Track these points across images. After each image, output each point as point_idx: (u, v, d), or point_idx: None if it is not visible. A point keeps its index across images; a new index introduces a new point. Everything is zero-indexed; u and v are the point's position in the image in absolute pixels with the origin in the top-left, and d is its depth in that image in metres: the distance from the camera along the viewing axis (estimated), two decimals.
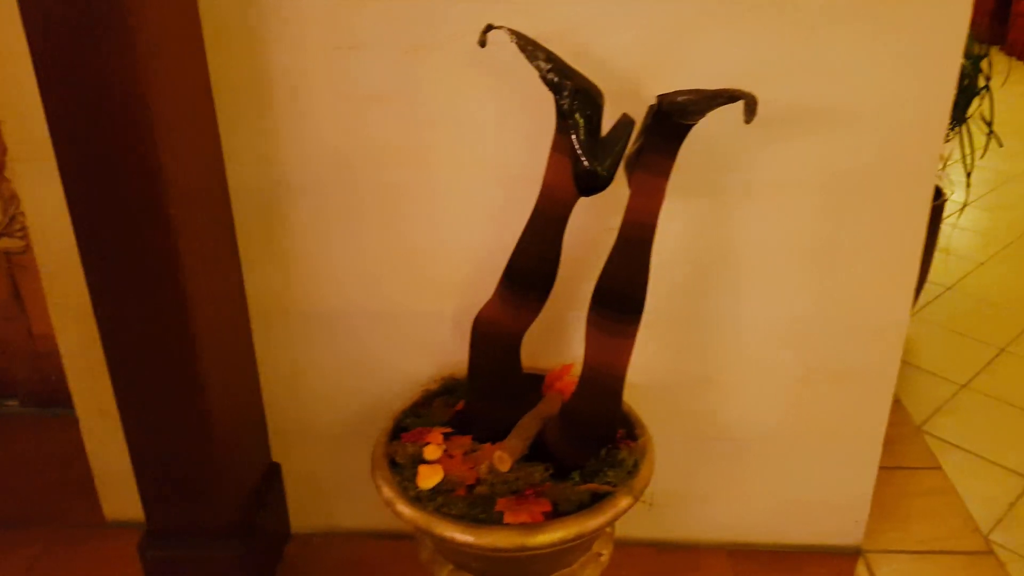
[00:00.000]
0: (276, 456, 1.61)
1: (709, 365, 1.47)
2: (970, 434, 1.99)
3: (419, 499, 1.15)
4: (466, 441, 1.27)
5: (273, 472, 1.60)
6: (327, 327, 1.49)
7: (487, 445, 1.26)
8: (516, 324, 1.24)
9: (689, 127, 1.07)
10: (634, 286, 1.14)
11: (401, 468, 1.21)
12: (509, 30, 1.11)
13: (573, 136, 1.08)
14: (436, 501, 1.15)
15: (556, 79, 1.08)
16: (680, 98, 1.02)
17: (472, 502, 1.15)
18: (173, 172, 1.15)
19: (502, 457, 1.18)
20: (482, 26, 1.22)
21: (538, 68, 1.09)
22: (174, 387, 1.29)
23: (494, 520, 1.12)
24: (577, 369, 1.41)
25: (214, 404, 1.32)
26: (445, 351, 1.49)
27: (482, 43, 1.14)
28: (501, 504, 1.14)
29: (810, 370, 1.47)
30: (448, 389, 1.41)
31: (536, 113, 1.29)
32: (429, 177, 1.35)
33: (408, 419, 1.33)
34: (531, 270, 1.20)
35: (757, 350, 1.46)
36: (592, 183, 1.10)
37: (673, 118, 1.04)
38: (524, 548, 1.09)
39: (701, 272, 1.41)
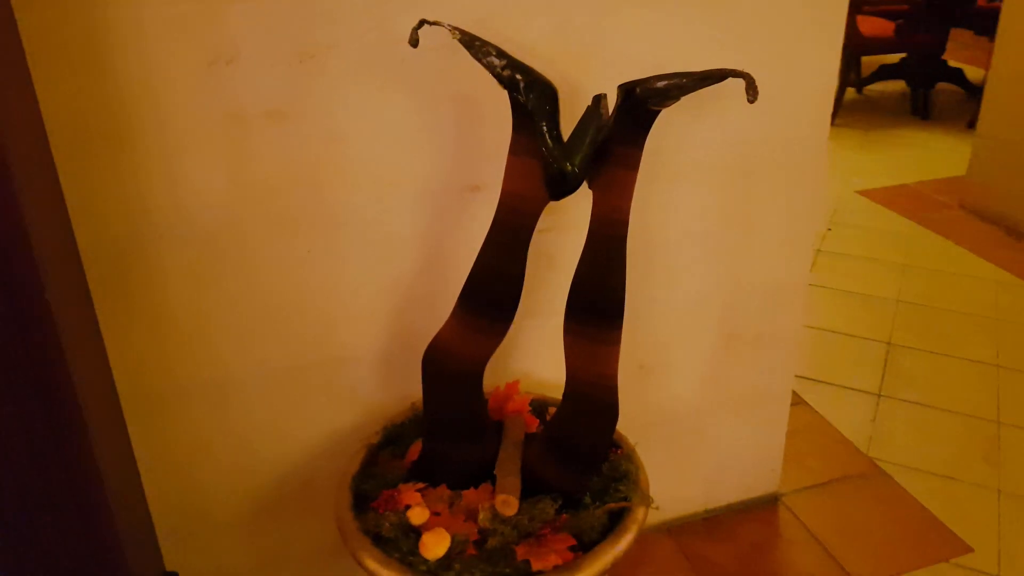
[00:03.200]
0: (171, 563, 1.32)
1: (640, 352, 1.45)
2: (816, 366, 2.18)
3: (433, 574, 0.99)
4: (443, 492, 1.13)
5: None
6: (219, 396, 1.24)
7: (470, 491, 1.13)
8: (478, 352, 1.12)
9: (656, 114, 1.01)
10: (613, 289, 1.07)
11: (390, 542, 1.04)
12: (451, 26, 0.97)
13: (542, 135, 0.98)
14: (453, 570, 1.00)
15: (512, 75, 0.97)
16: (660, 83, 0.96)
17: (490, 558, 1.02)
18: (40, 238, 0.87)
19: (507, 500, 1.06)
20: (380, 24, 1.07)
21: (490, 65, 0.97)
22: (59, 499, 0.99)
23: (522, 572, 1.00)
24: (528, 386, 1.32)
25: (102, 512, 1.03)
26: (370, 398, 1.31)
27: (414, 42, 0.99)
28: (522, 552, 1.02)
29: (727, 339, 1.51)
30: (390, 439, 1.24)
31: (457, 115, 1.16)
32: (332, 203, 1.17)
33: (366, 483, 1.15)
34: (495, 289, 1.08)
35: (680, 329, 1.47)
36: (567, 184, 1.00)
37: (648, 105, 0.98)
38: None
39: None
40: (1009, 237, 2.92)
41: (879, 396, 2.06)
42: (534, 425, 1.25)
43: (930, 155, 3.84)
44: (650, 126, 1.02)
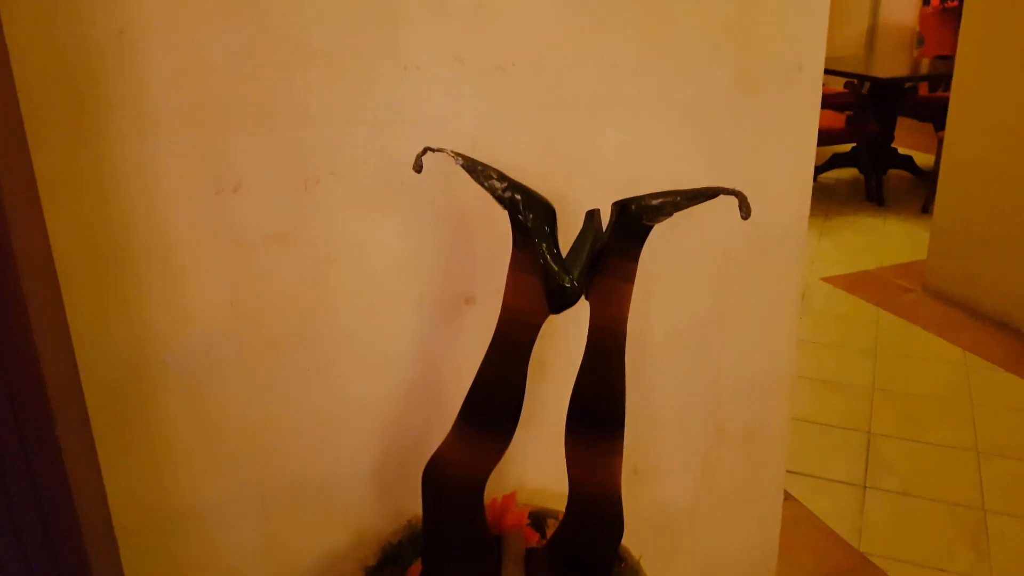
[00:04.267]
0: None
1: (634, 456, 1.45)
2: (799, 458, 2.20)
3: None
4: None
5: None
6: (212, 520, 1.20)
7: None
8: (480, 466, 1.10)
9: (651, 228, 1.05)
10: (613, 398, 1.08)
11: None
12: (453, 152, 1.00)
13: (543, 253, 1.00)
14: None
15: (513, 196, 1.00)
16: (654, 201, 1.00)
17: None
18: (50, 366, 0.86)
19: None
20: (380, 149, 1.11)
21: (491, 188, 1.00)
22: None
23: None
24: (524, 496, 1.31)
25: None
26: (364, 516, 1.28)
27: (418, 168, 1.02)
28: None
29: (717, 437, 1.52)
30: (390, 559, 1.21)
31: (450, 232, 1.19)
32: (329, 321, 1.17)
33: None
34: (497, 403, 1.08)
35: (671, 430, 1.47)
36: (567, 298, 1.02)
37: (643, 220, 1.01)
38: None
39: None
40: (972, 319, 3.02)
41: (864, 487, 2.07)
42: (534, 539, 1.23)
43: (887, 240, 3.98)
44: (644, 239, 1.05)
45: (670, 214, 1.01)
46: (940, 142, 4.42)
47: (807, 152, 1.38)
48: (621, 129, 1.24)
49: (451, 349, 1.25)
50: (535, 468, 1.38)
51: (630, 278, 1.06)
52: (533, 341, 1.06)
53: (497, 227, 1.19)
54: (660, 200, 1.00)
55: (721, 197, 1.00)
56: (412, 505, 1.28)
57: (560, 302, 1.03)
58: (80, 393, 1.06)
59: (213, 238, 1.06)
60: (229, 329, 1.11)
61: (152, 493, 1.15)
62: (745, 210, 0.95)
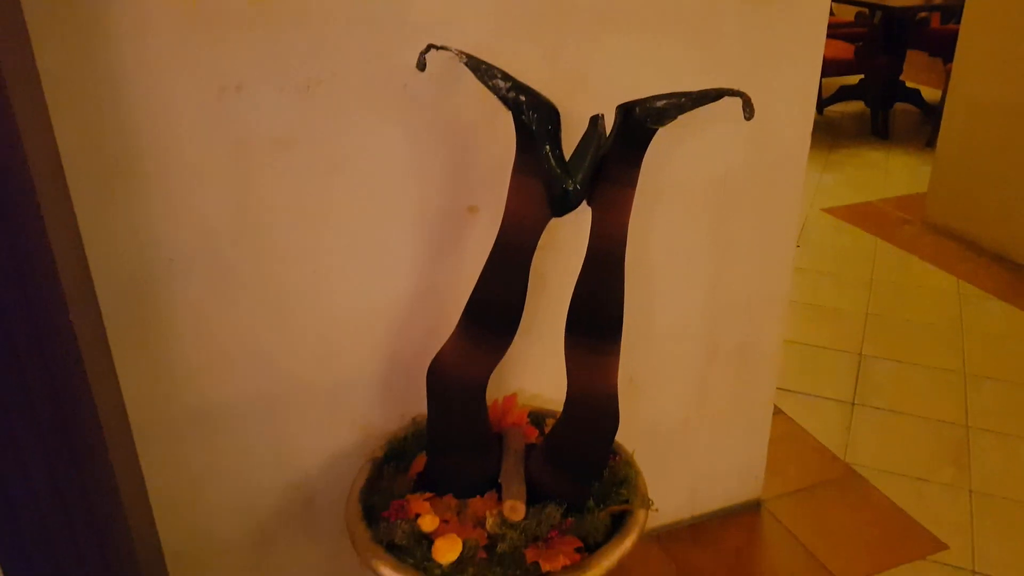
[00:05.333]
0: None
1: (631, 366, 1.50)
2: (791, 377, 2.26)
3: None
4: (450, 501, 1.17)
5: None
6: (224, 421, 1.26)
7: (476, 499, 1.16)
8: (482, 366, 1.16)
9: (654, 133, 1.07)
10: (611, 306, 1.12)
11: (403, 550, 1.07)
12: (458, 51, 1.02)
13: (546, 155, 1.03)
14: (467, 573, 1.03)
15: (517, 96, 1.02)
16: (659, 103, 1.02)
17: (501, 562, 1.06)
18: (66, 267, 0.90)
19: (514, 507, 1.10)
20: (382, 52, 1.12)
21: (496, 88, 1.03)
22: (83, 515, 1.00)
23: (532, 574, 1.04)
24: (523, 400, 1.37)
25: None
26: (369, 417, 1.35)
27: (421, 65, 1.05)
28: (531, 555, 1.06)
29: (712, 353, 1.57)
30: (394, 454, 1.28)
31: (453, 140, 1.21)
32: (334, 228, 1.21)
33: (374, 496, 1.18)
34: (498, 305, 1.12)
35: (667, 344, 1.53)
36: (569, 202, 1.06)
37: (647, 124, 1.04)
38: None
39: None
40: (968, 251, 3.05)
41: (852, 404, 2.14)
42: (533, 436, 1.29)
43: (890, 174, 3.98)
44: (647, 145, 1.07)
45: (674, 117, 1.04)
46: (948, 77, 4.39)
47: (812, 70, 1.40)
48: (626, 39, 1.25)
49: (454, 258, 1.28)
50: (533, 375, 1.43)
51: (632, 184, 1.09)
52: (535, 245, 1.10)
53: (501, 135, 1.22)
54: (665, 102, 1.02)
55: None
56: (415, 407, 1.34)
57: (562, 206, 1.07)
58: (92, 294, 1.10)
59: (217, 141, 1.08)
60: (234, 233, 1.15)
61: (164, 394, 1.21)
62: (749, 110, 0.98)
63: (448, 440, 1.19)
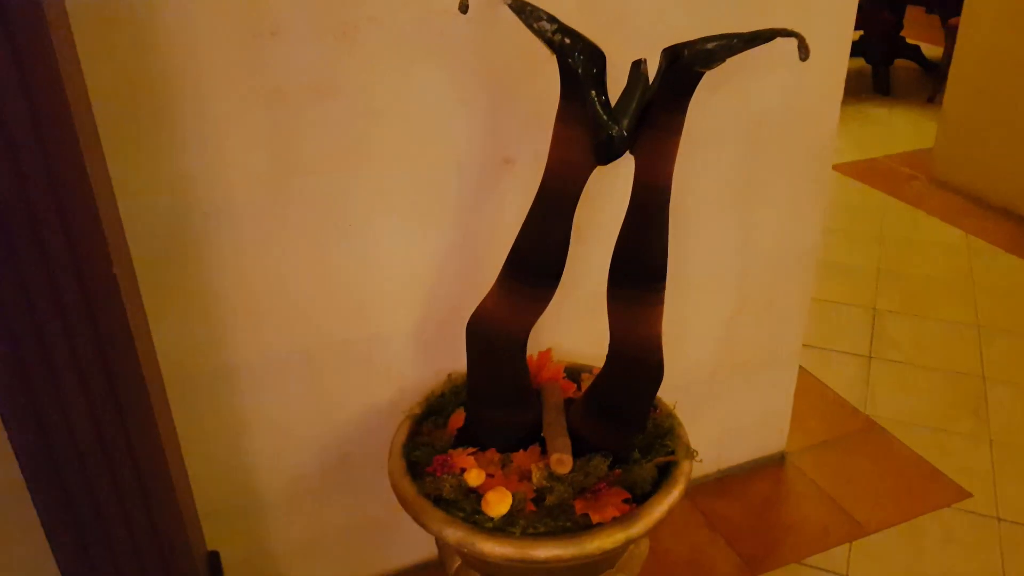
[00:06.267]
0: (212, 543, 1.32)
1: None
2: (809, 332, 2.26)
3: (500, 530, 1.03)
4: (493, 456, 1.16)
5: (213, 564, 1.31)
6: (259, 376, 1.25)
7: (519, 453, 1.16)
8: (523, 319, 1.14)
9: (700, 77, 1.05)
10: (656, 256, 1.10)
11: (451, 503, 1.07)
12: None
13: (592, 100, 1.01)
14: (518, 526, 1.03)
15: (563, 39, 0.99)
16: (709, 45, 0.99)
17: (550, 514, 1.06)
18: (107, 213, 0.88)
19: (561, 459, 1.09)
20: None
21: (540, 30, 0.99)
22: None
23: (581, 525, 1.04)
24: (558, 356, 1.36)
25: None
26: (405, 373, 1.34)
27: (464, 8, 1.01)
28: (580, 506, 1.06)
29: (741, 305, 1.56)
30: (432, 410, 1.27)
31: (490, 88, 1.19)
32: (369, 179, 1.18)
33: (416, 451, 1.17)
34: (540, 256, 1.10)
35: (699, 292, 1.52)
36: (614, 149, 1.03)
37: (696, 67, 1.01)
38: (629, 540, 1.03)
39: None
40: (976, 207, 3.05)
41: (870, 358, 2.14)
42: (571, 390, 1.28)
43: (894, 130, 3.97)
44: (694, 90, 1.05)
45: (723, 59, 1.01)
46: (947, 33, 4.35)
47: (849, 10, 1.37)
48: None
49: (490, 209, 1.26)
50: (569, 331, 1.42)
51: (678, 131, 1.07)
52: (579, 195, 1.08)
53: (540, 84, 1.19)
54: (715, 44, 0.99)
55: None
56: (451, 363, 1.33)
57: (608, 153, 1.04)
58: (125, 244, 1.07)
59: (252, 87, 1.05)
60: (270, 183, 1.12)
61: (198, 348, 1.19)
62: (804, 51, 0.95)
63: (489, 395, 1.18)
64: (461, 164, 1.22)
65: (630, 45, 1.19)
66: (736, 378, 1.64)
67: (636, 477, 1.09)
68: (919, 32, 5.32)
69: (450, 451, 1.16)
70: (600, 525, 1.03)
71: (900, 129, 3.96)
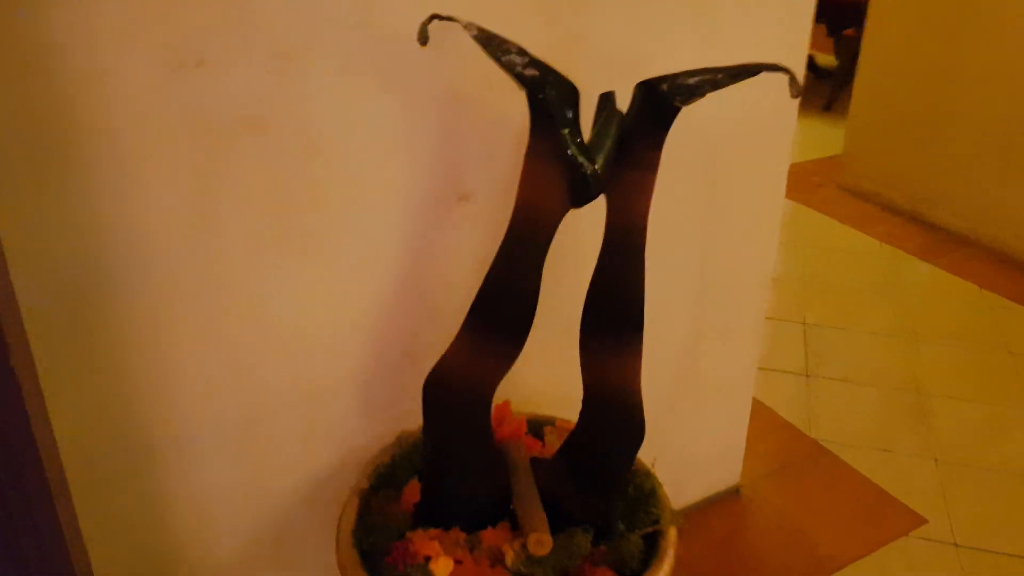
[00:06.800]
0: None
1: None
2: None
3: None
4: (458, 536, 1.03)
5: None
6: (178, 455, 1.07)
7: (488, 531, 1.03)
8: (490, 376, 1.01)
9: (678, 111, 0.95)
10: (633, 301, 1.00)
11: None
12: (468, 22, 0.86)
13: (566, 138, 0.89)
14: None
15: (535, 74, 0.87)
16: (691, 80, 0.90)
17: None
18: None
19: (540, 540, 0.97)
20: (363, 20, 0.95)
21: (510, 64, 0.87)
22: None
23: None
24: (515, 405, 1.24)
25: None
26: (349, 435, 1.18)
27: (422, 40, 0.88)
28: None
29: (698, 332, 1.48)
30: (383, 480, 1.12)
31: (442, 120, 1.05)
32: (310, 221, 1.03)
33: (370, 537, 1.02)
34: (510, 307, 0.98)
35: (658, 324, 1.42)
36: (593, 189, 0.92)
37: (674, 102, 0.91)
38: None
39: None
40: (886, 213, 3.12)
41: (807, 376, 2.12)
42: (536, 448, 1.16)
43: (795, 138, 4.05)
44: (671, 124, 0.95)
45: (705, 94, 0.92)
46: (839, 42, 4.49)
47: (803, 30, 1.31)
48: (626, 7, 1.12)
49: (443, 252, 1.13)
50: (523, 377, 1.30)
51: (654, 168, 0.97)
52: (551, 239, 0.96)
53: (498, 114, 1.07)
54: (697, 79, 0.90)
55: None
56: (400, 420, 1.19)
57: (584, 194, 0.93)
58: (21, 325, 0.88)
59: (174, 124, 0.88)
60: (194, 233, 0.95)
61: (106, 430, 1.00)
62: (795, 88, 0.87)
63: (452, 463, 1.05)
64: (411, 202, 1.08)
65: (590, 71, 1.08)
66: (694, 410, 1.56)
67: (624, 553, 0.98)
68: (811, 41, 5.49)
69: (409, 534, 1.02)
70: None
71: (802, 137, 4.04)
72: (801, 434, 1.90)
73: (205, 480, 1.09)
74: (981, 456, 1.83)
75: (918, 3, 2.91)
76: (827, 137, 3.72)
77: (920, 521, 1.64)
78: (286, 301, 1.05)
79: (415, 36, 0.90)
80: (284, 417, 1.12)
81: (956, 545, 1.59)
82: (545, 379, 1.25)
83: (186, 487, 1.08)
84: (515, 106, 1.06)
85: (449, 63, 1.01)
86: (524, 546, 0.98)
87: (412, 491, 1.09)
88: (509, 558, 0.98)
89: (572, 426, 1.19)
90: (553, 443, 1.18)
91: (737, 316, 1.51)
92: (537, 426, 1.21)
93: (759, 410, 1.96)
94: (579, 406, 1.06)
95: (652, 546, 1.01)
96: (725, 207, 1.39)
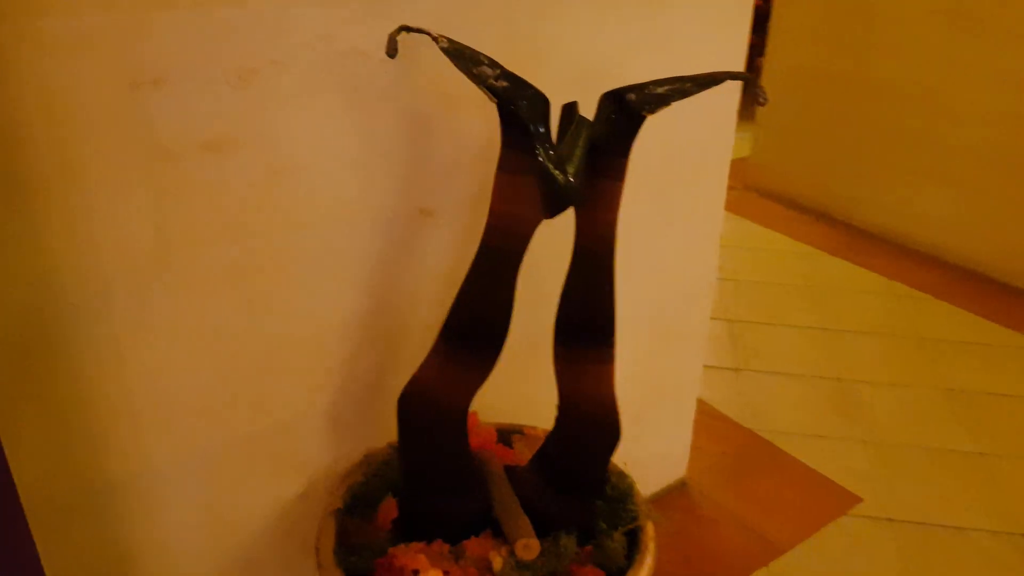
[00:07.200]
0: None
1: None
2: None
3: None
4: (442, 548, 1.03)
5: None
6: (140, 493, 1.03)
7: (471, 541, 1.03)
8: (465, 389, 1.02)
9: (644, 120, 0.98)
10: (604, 309, 1.03)
11: None
12: (438, 34, 0.87)
13: (539, 149, 0.91)
14: None
15: (507, 85, 0.89)
16: (660, 89, 0.93)
17: None
18: None
19: (528, 544, 0.98)
20: (326, 34, 0.94)
21: (481, 76, 0.88)
22: None
23: None
24: (488, 417, 1.24)
25: None
26: (312, 460, 1.16)
27: (391, 52, 0.88)
28: None
29: (651, 336, 1.53)
30: (358, 501, 1.11)
31: (404, 135, 1.05)
32: (273, 244, 1.01)
33: (352, 557, 1.01)
34: (485, 320, 0.99)
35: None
36: (568, 198, 0.95)
37: (642, 112, 0.94)
38: None
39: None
40: (795, 212, 3.28)
41: (737, 371, 2.21)
42: (508, 457, 1.18)
43: None
44: (637, 133, 0.98)
45: (672, 103, 0.96)
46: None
47: (741, 36, 1.37)
48: (580, 15, 1.15)
49: (407, 269, 1.13)
50: (486, 384, 1.31)
51: (621, 176, 1.00)
52: (524, 251, 0.98)
53: (461, 126, 1.08)
54: (666, 88, 0.93)
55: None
56: (369, 441, 1.18)
57: (558, 204, 0.95)
58: None
59: (130, 146, 0.86)
60: (154, 261, 0.92)
61: (65, 470, 0.96)
62: (762, 96, 0.91)
63: (431, 478, 1.05)
64: (373, 219, 1.07)
65: (551, 81, 1.11)
66: (645, 411, 1.61)
67: (609, 552, 1.01)
68: None
69: (391, 550, 1.01)
70: None
71: None
72: (737, 425, 1.98)
73: (170, 514, 1.05)
74: (904, 436, 1.95)
75: (819, 10, 3.09)
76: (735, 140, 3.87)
77: (856, 500, 1.74)
78: (253, 329, 1.03)
79: (381, 51, 0.90)
80: (250, 446, 1.09)
81: (891, 520, 1.69)
82: (508, 389, 1.26)
83: (150, 522, 1.04)
84: (475, 120, 1.08)
85: (411, 78, 1.02)
86: (512, 552, 0.98)
87: (388, 508, 1.08)
88: (497, 564, 0.99)
89: (540, 433, 1.21)
90: (523, 451, 1.19)
91: (686, 319, 1.57)
92: (506, 435, 1.22)
93: (697, 405, 2.04)
94: (542, 412, 1.09)
95: (633, 542, 1.04)
96: (674, 213, 1.44)
